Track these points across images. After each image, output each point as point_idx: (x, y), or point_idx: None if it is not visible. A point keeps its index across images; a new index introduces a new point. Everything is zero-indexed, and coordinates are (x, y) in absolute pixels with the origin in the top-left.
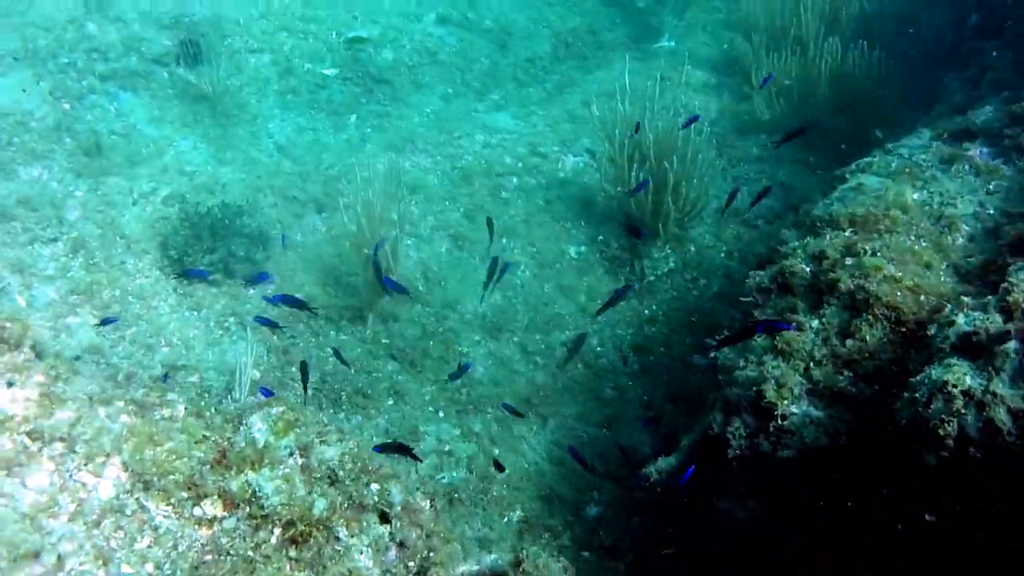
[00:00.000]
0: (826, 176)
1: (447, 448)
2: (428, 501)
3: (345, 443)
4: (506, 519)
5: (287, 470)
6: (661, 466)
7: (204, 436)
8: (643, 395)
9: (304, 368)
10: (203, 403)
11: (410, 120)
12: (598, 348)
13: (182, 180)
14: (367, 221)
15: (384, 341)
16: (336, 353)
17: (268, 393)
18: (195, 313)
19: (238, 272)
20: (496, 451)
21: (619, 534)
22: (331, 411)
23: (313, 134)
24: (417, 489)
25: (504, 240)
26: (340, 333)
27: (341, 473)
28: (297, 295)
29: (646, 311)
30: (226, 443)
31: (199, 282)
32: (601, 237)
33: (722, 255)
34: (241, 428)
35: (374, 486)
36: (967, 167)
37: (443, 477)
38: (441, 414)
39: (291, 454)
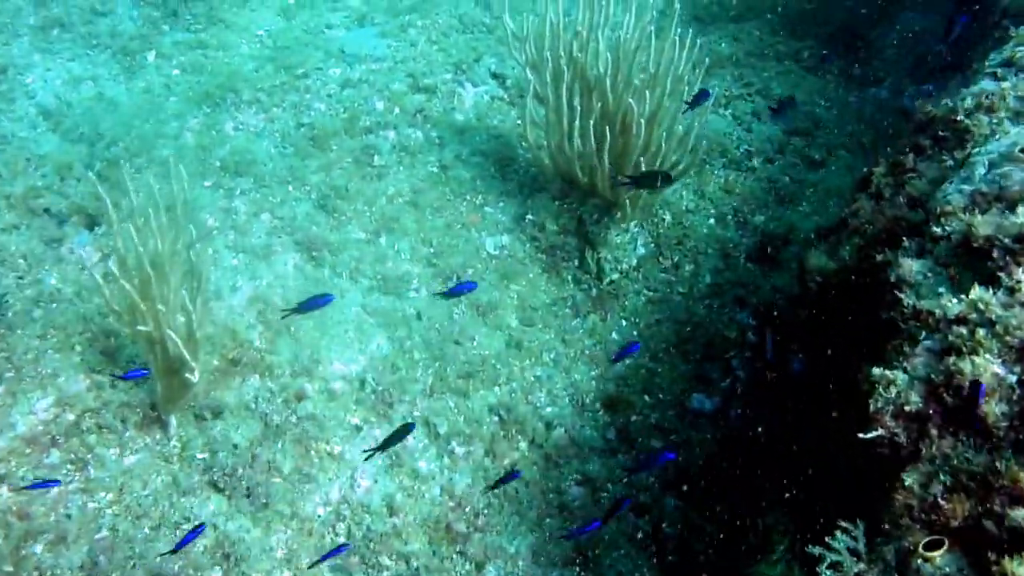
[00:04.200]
0: (831, 81)
1: None
2: None
3: None
4: None
5: None
6: None
7: None
8: (629, 487)
9: None
10: None
11: (236, 51)
12: (548, 409)
13: None
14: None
15: (199, 457)
16: None
17: None
18: None
19: None
20: None
21: None
22: None
23: (94, 86)
24: None
25: (382, 239)
26: (125, 451)
27: None
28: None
29: (613, 334)
30: None
31: None
32: (531, 216)
33: (710, 221)
34: None
35: None
36: None
37: None
38: None
39: None
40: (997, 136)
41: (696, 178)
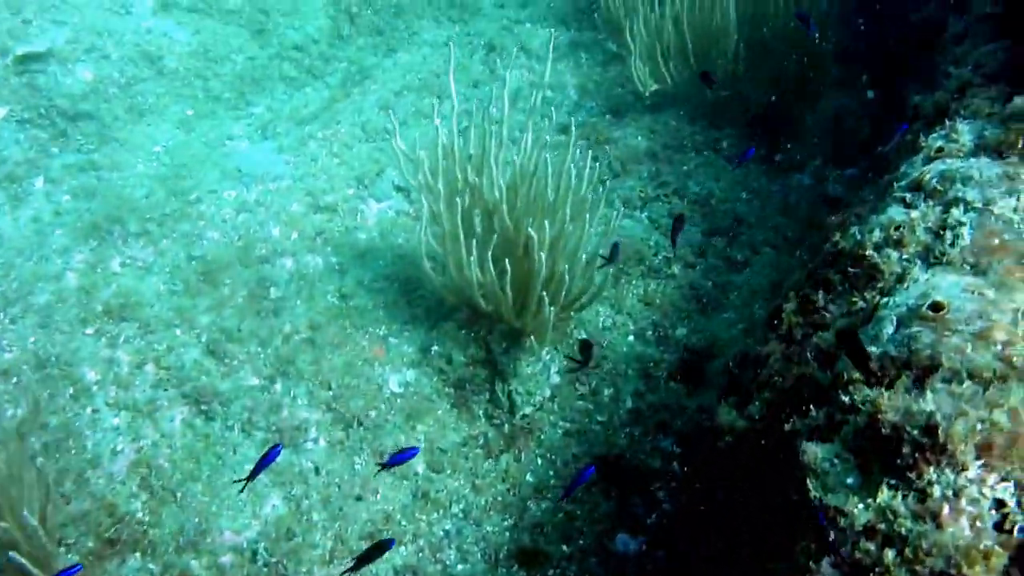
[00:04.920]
0: (752, 171)
1: None
2: None
3: None
4: None
5: None
6: None
7: None
8: None
9: None
10: None
11: (131, 171)
12: (459, 567)
13: None
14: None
15: None
16: None
17: None
18: None
19: None
20: None
21: None
22: None
23: None
24: None
25: (277, 385)
26: None
27: None
28: None
29: (528, 475)
30: None
31: None
32: (437, 347)
33: (630, 338)
34: None
35: None
36: None
37: None
38: None
39: None
40: (906, 284)
41: (613, 291)
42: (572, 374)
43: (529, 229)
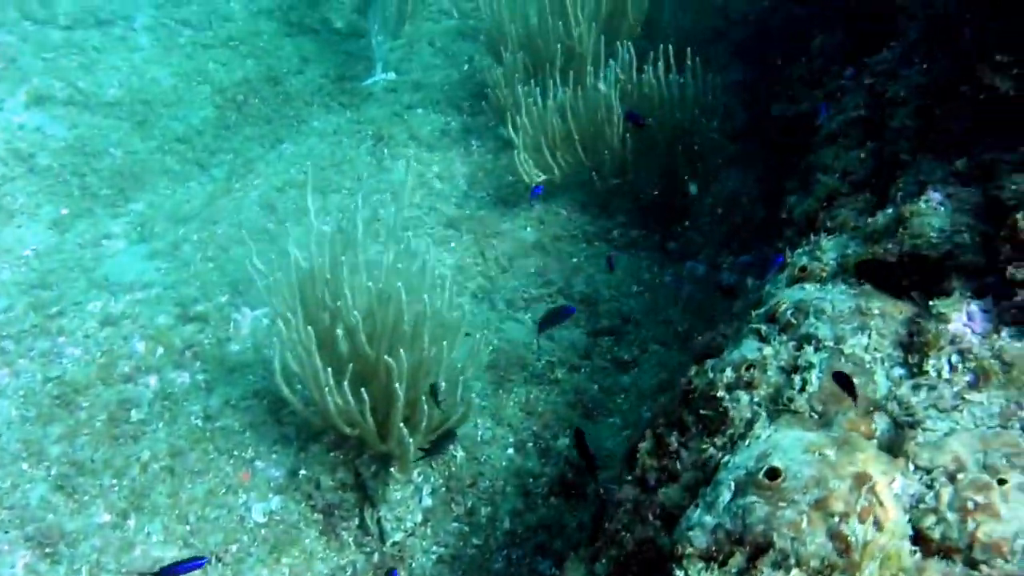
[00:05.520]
0: (644, 260)
1: None
2: None
3: None
4: None
5: None
6: None
7: None
8: None
9: None
10: None
11: None
12: None
13: None
14: None
15: None
16: None
17: None
18: None
19: None
20: None
21: None
22: None
23: None
24: None
25: (131, 521)
26: None
27: None
28: None
29: None
30: None
31: None
32: (305, 471)
33: (509, 451)
34: None
35: None
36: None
37: None
38: None
39: None
40: (747, 442)
41: (492, 400)
42: (447, 494)
43: (386, 357)
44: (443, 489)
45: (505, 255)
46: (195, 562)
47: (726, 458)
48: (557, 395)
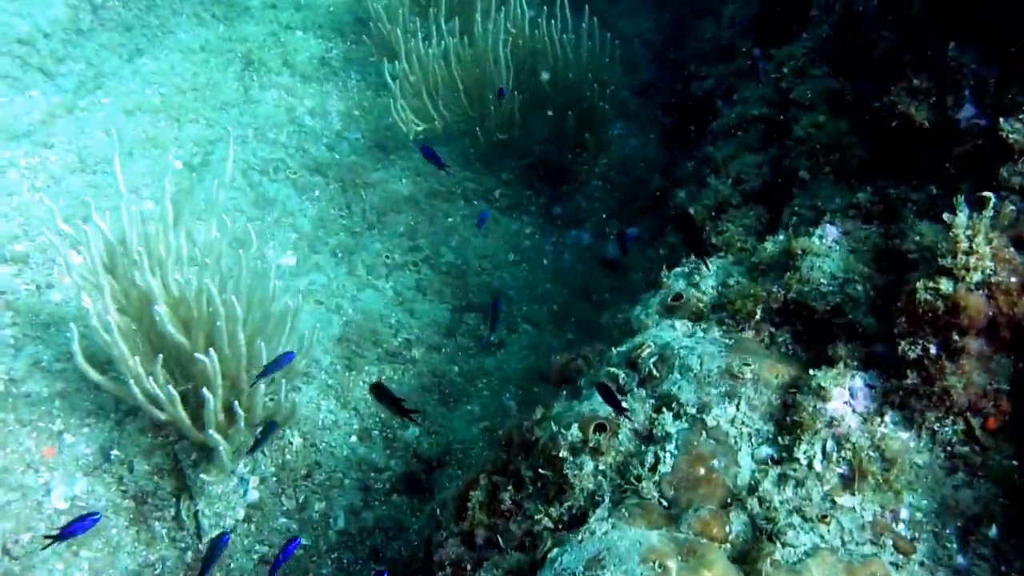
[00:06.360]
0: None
1: None
2: None
3: None
4: None
5: None
6: None
7: None
8: None
9: None
10: None
11: None
12: None
13: None
14: None
15: None
16: None
17: None
18: None
19: None
20: None
21: None
22: None
23: None
24: None
25: None
26: None
27: None
28: None
29: None
30: None
31: None
32: (118, 451)
33: (352, 439)
34: None
35: None
36: None
37: None
38: None
39: None
40: (580, 536)
41: (339, 379)
42: (278, 485)
43: (198, 356)
44: (274, 480)
45: (374, 209)
46: (90, 519)
47: (555, 552)
48: (412, 377)
